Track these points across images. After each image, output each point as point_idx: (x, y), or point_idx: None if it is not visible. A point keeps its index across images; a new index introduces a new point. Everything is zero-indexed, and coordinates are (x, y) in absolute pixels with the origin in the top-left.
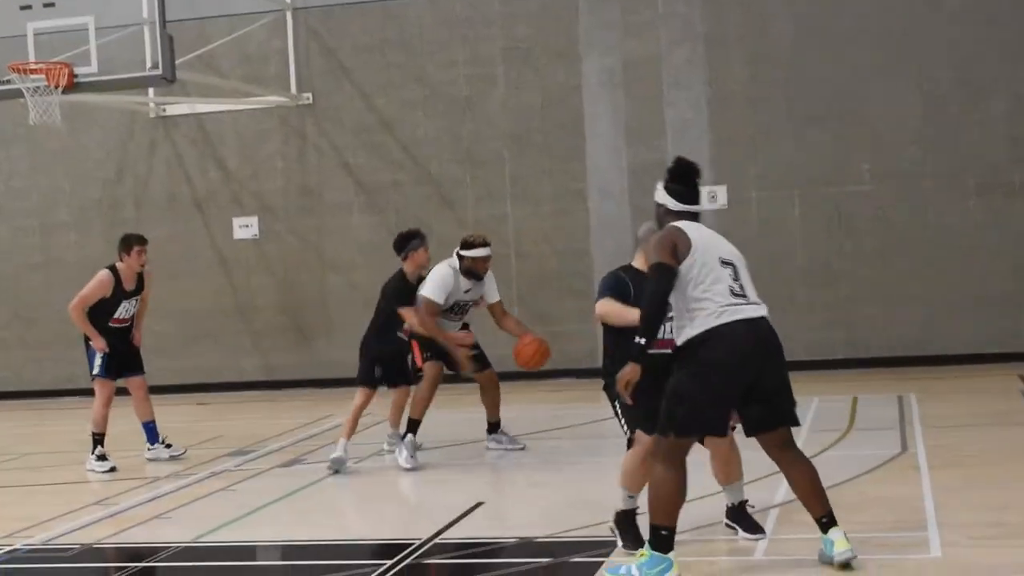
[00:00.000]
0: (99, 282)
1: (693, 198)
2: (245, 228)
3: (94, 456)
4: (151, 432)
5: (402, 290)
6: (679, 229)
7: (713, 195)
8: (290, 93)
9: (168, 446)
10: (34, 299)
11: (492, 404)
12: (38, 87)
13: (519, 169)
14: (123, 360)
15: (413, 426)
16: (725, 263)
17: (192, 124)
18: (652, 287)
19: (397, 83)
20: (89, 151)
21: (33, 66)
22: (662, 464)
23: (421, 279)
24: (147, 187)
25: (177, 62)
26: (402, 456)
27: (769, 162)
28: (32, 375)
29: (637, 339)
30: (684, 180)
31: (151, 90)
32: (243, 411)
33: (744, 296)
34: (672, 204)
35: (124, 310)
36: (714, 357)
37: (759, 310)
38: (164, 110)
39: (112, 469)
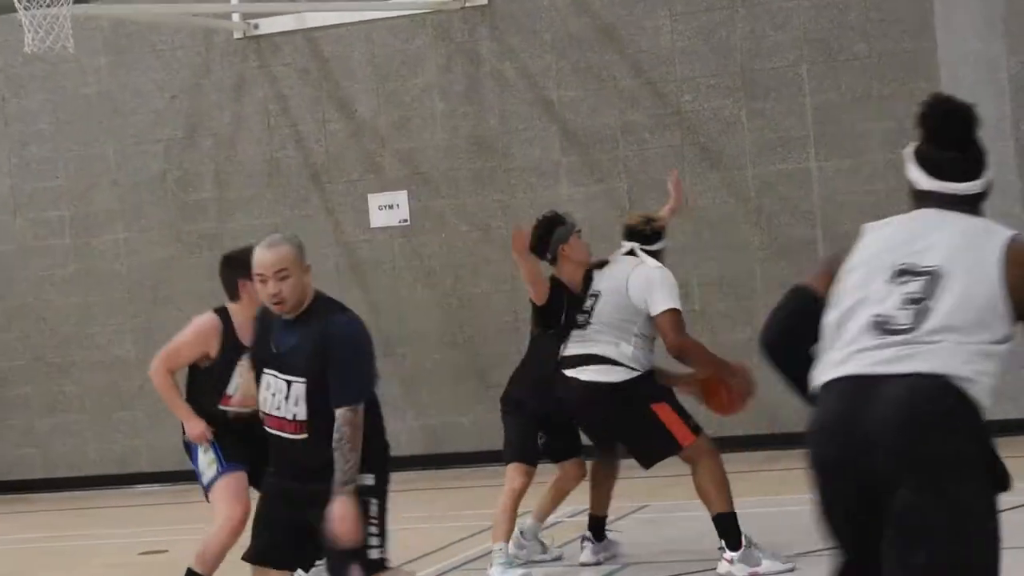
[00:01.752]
0: (196, 332)
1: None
2: (388, 211)
3: None
4: None
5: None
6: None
7: None
8: None
9: None
10: (65, 333)
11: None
12: None
13: (826, 96)
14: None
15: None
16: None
17: (300, 46)
18: None
19: None
20: (144, 97)
21: None
22: None
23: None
24: (233, 150)
25: None
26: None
27: None
28: (66, 455)
29: None
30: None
31: None
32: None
33: None
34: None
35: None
36: None
37: None
38: (256, 26)
39: None
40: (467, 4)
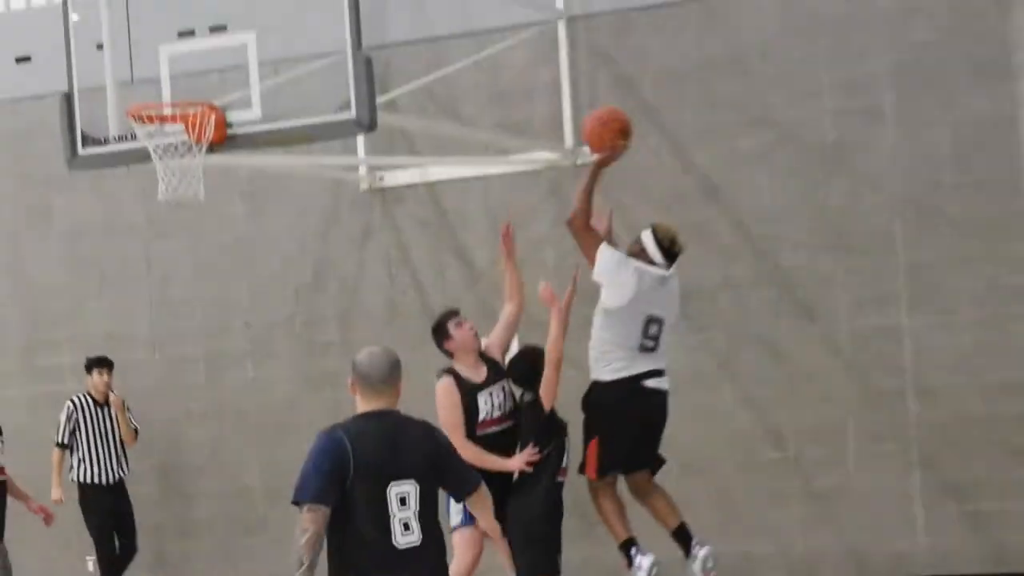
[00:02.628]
0: (447, 399)
1: None
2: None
3: None
4: None
5: None
6: None
7: None
8: (565, 147)
9: None
10: (197, 463)
11: None
12: (172, 144)
13: (921, 254)
14: None
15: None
16: None
17: (422, 198)
18: None
19: (726, 126)
20: (275, 244)
21: (166, 111)
22: None
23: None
24: (357, 295)
25: (393, 100)
26: None
27: None
28: None
29: None
30: None
31: (362, 148)
32: None
33: None
34: None
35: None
36: None
37: None
38: (381, 178)
39: None
40: (579, 162)
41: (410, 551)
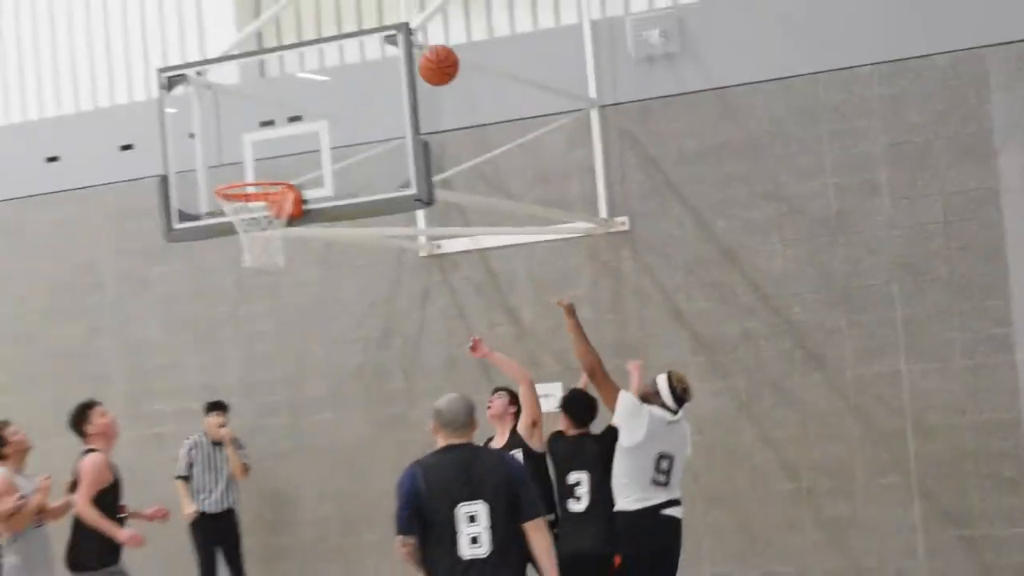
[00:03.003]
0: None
1: None
2: (545, 399)
3: None
4: None
5: None
6: None
7: None
8: (599, 218)
9: None
10: (280, 496)
11: None
12: (255, 219)
13: (916, 310)
14: None
15: None
16: None
17: (475, 263)
18: None
19: (742, 199)
20: (346, 304)
21: (250, 190)
22: None
23: None
24: (419, 349)
25: (448, 178)
26: None
27: None
28: None
29: None
30: None
31: (422, 220)
32: None
33: None
34: None
35: None
36: None
37: None
38: (439, 246)
39: None
40: (612, 230)
41: (475, 561)
